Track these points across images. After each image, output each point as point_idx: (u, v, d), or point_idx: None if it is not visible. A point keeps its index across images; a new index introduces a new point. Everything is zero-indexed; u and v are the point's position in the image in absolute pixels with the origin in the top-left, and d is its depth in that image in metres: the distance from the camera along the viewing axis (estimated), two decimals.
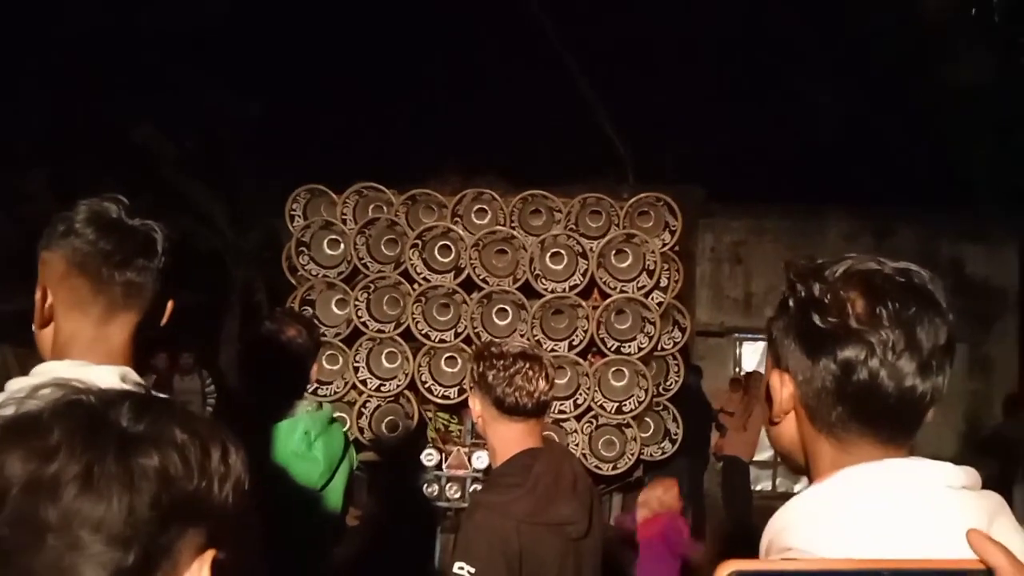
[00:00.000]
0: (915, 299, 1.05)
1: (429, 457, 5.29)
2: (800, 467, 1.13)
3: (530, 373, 2.22)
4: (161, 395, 0.97)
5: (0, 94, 9.91)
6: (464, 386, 5.28)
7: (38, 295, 1.43)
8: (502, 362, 2.19)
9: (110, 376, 1.29)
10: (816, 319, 1.05)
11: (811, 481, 1.08)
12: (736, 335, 10.77)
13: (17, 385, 1.13)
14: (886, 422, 1.05)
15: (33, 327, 1.46)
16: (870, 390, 1.03)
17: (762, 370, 9.04)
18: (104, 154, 10.52)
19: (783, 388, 1.11)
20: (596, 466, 5.35)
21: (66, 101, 9.96)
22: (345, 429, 4.89)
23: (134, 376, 1.36)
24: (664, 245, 5.51)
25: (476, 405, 2.25)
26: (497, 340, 2.57)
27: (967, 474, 1.03)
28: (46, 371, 1.30)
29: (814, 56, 10.43)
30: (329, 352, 5.57)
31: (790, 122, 10.71)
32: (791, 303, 1.10)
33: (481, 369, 2.19)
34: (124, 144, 10.80)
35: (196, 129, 11.21)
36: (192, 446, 0.78)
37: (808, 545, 1.00)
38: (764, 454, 9.66)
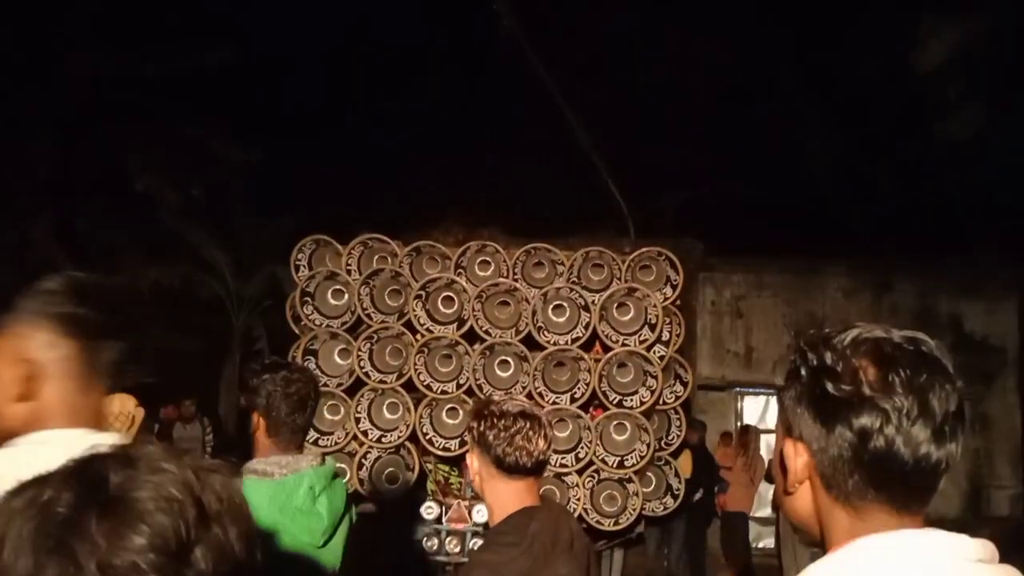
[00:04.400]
0: (925, 366, 1.07)
1: (429, 510, 5.25)
2: (815, 538, 1.13)
3: (530, 433, 2.24)
4: None
5: (5, 141, 10.05)
6: (465, 438, 5.26)
7: None
8: (502, 422, 2.23)
9: None
10: (829, 387, 1.07)
11: (826, 551, 1.09)
12: (737, 389, 10.75)
13: None
14: (902, 489, 1.06)
15: None
16: (886, 457, 1.04)
17: (761, 425, 9.05)
18: (108, 201, 10.63)
19: (797, 457, 1.11)
20: (597, 521, 5.31)
21: (70, 148, 10.09)
22: (345, 482, 4.87)
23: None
24: (666, 299, 5.54)
25: (474, 463, 2.27)
26: (496, 399, 2.57)
27: (984, 547, 1.04)
28: None
29: (811, 110, 10.59)
30: (331, 402, 5.57)
31: (787, 176, 10.84)
32: (802, 372, 1.11)
33: (481, 428, 2.22)
34: (128, 191, 10.91)
35: (200, 177, 11.33)
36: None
37: None
38: (765, 510, 9.57)
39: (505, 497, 2.23)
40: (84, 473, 0.80)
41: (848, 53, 9.61)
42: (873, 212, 9.79)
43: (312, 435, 5.49)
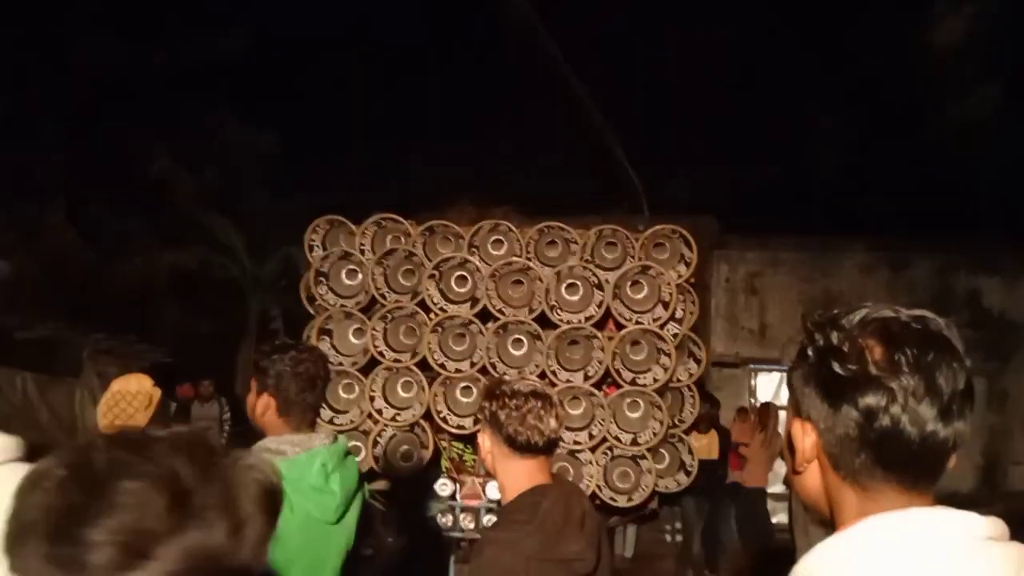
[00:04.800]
0: (933, 346, 1.07)
1: (444, 487, 5.30)
2: (825, 516, 1.14)
3: (541, 412, 2.26)
4: None
5: (20, 128, 10.11)
6: (478, 417, 5.29)
7: None
8: (514, 401, 2.26)
9: None
10: (836, 367, 1.07)
11: (836, 529, 1.09)
12: (751, 366, 10.74)
13: None
14: (909, 468, 1.06)
15: None
16: (893, 436, 1.05)
17: (775, 402, 9.04)
18: (123, 186, 10.70)
19: (805, 437, 1.12)
20: (611, 498, 5.34)
21: (85, 134, 10.15)
22: (359, 459, 4.90)
23: None
24: (679, 277, 5.53)
25: (486, 442, 2.31)
26: (507, 377, 2.60)
27: (994, 524, 1.04)
28: None
29: (827, 88, 10.49)
30: (346, 381, 5.61)
31: (803, 154, 10.75)
32: (810, 352, 1.12)
33: (493, 408, 2.25)
34: (143, 176, 10.98)
35: (214, 161, 11.38)
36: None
37: None
38: (778, 486, 9.59)
39: (517, 476, 2.26)
40: (76, 455, 0.81)
41: (863, 33, 9.50)
42: (889, 189, 9.72)
43: (327, 414, 5.54)
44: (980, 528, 1.02)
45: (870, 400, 1.04)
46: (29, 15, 9.84)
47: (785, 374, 1.11)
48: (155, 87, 10.14)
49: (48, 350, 8.07)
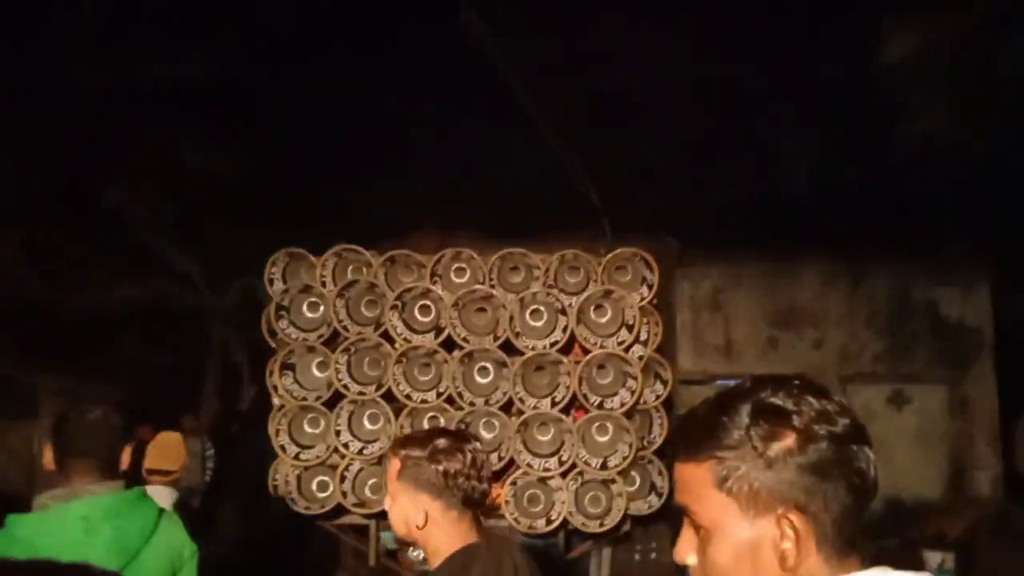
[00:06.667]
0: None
1: None
2: None
3: (485, 459, 2.14)
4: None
5: None
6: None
7: None
8: (463, 456, 2.11)
9: None
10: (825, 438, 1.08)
11: None
12: (719, 382, 10.80)
13: None
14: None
15: None
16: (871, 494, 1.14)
17: None
18: (76, 217, 10.47)
19: (791, 531, 1.08)
20: (583, 523, 5.31)
21: (36, 164, 9.93)
22: (325, 494, 4.79)
23: None
24: (642, 299, 5.55)
25: (418, 508, 2.09)
26: (416, 436, 2.34)
27: None
28: None
29: (784, 103, 10.64)
30: (311, 416, 5.53)
31: (763, 169, 10.88)
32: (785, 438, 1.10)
33: (444, 466, 2.09)
34: (97, 207, 10.76)
35: (170, 191, 11.20)
36: None
37: None
38: None
39: (450, 536, 2.10)
40: None
41: (819, 48, 9.67)
42: (845, 205, 9.87)
43: (293, 449, 5.45)
44: None
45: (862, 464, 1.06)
46: None
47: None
48: (110, 115, 9.97)
49: (1, 391, 7.87)
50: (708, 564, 1.08)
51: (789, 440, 1.06)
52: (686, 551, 1.13)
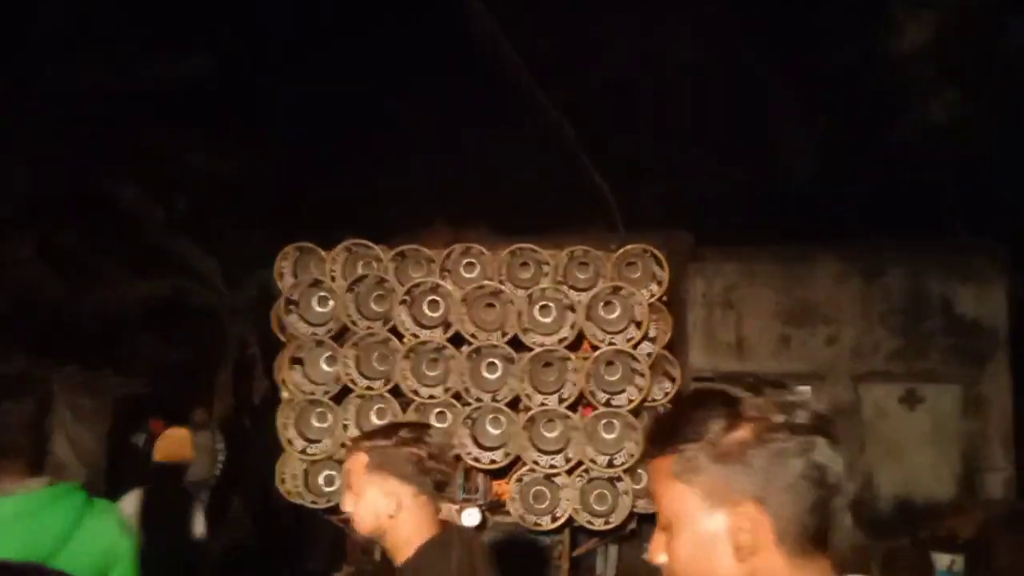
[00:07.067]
0: None
1: None
2: None
3: (445, 445, 2.15)
4: None
5: None
6: (454, 442, 5.25)
7: None
8: (427, 441, 2.12)
9: None
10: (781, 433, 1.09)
11: None
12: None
13: None
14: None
15: None
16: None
17: None
18: (91, 217, 10.58)
19: (748, 523, 1.09)
20: (588, 521, 5.30)
21: (50, 166, 10.03)
22: (332, 488, 4.76)
23: None
24: (652, 296, 5.52)
25: (389, 496, 2.07)
26: (377, 430, 2.35)
27: None
28: None
29: (791, 97, 10.56)
30: (319, 410, 5.55)
31: (776, 163, 10.81)
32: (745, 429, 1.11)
33: (412, 450, 2.08)
34: (111, 207, 10.86)
35: (182, 189, 11.29)
36: None
37: None
38: None
39: (420, 526, 2.09)
40: None
41: (830, 37, 9.60)
42: (859, 198, 9.80)
43: (300, 443, 5.47)
44: None
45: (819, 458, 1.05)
46: None
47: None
48: (121, 116, 10.06)
49: (14, 386, 7.93)
50: (671, 557, 1.09)
51: (745, 431, 1.06)
52: (658, 551, 1.13)
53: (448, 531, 2.15)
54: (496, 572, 2.18)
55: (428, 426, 2.22)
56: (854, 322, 9.86)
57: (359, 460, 2.14)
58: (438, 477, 2.12)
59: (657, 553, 1.14)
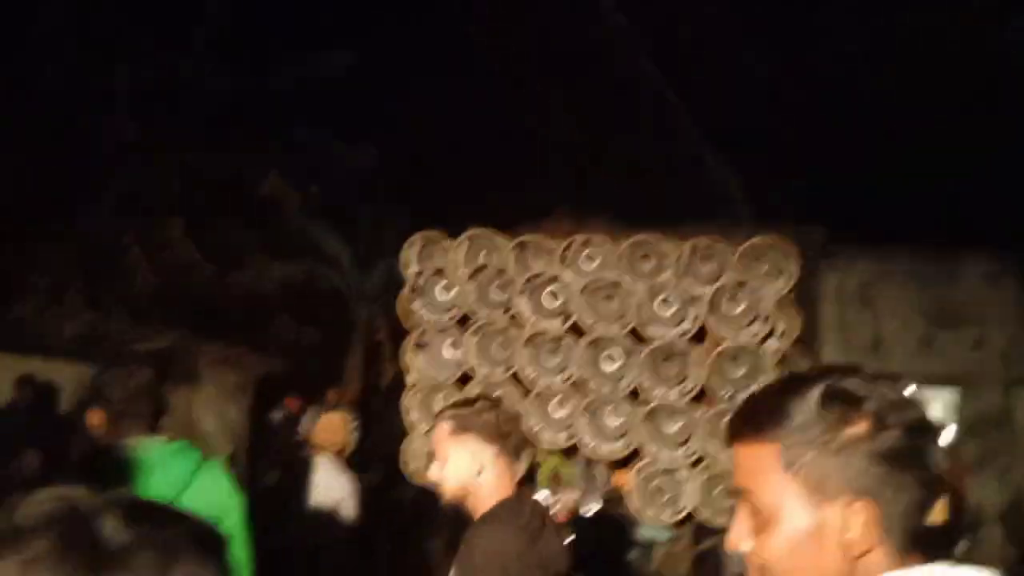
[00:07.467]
0: None
1: (546, 500, 5.28)
2: None
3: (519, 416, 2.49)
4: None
5: (144, 154, 10.87)
6: (571, 432, 5.26)
7: None
8: (505, 409, 2.37)
9: None
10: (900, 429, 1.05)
11: None
12: None
13: None
14: None
15: None
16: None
17: None
18: (235, 204, 11.26)
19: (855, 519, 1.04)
20: (711, 518, 5.19)
21: (197, 160, 10.79)
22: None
23: None
24: (779, 291, 5.34)
25: (475, 456, 2.22)
26: (457, 403, 2.49)
27: None
28: None
29: (946, 89, 9.93)
30: (442, 394, 5.68)
31: (915, 158, 10.20)
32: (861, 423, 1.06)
33: (494, 414, 2.28)
34: (253, 193, 11.52)
35: (319, 177, 11.83)
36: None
37: None
38: None
39: (503, 484, 2.23)
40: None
41: (990, 30, 8.99)
42: (1012, 199, 9.10)
43: (423, 427, 5.62)
44: None
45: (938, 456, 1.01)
46: (146, 45, 10.58)
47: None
48: (262, 111, 10.67)
49: (166, 360, 8.55)
50: (765, 550, 1.04)
51: (861, 427, 1.01)
52: (742, 537, 1.09)
53: (522, 495, 2.27)
54: (562, 542, 2.29)
55: (500, 400, 2.41)
56: (1005, 325, 9.18)
57: (443, 428, 2.29)
58: (515, 441, 2.25)
59: (740, 541, 1.10)
